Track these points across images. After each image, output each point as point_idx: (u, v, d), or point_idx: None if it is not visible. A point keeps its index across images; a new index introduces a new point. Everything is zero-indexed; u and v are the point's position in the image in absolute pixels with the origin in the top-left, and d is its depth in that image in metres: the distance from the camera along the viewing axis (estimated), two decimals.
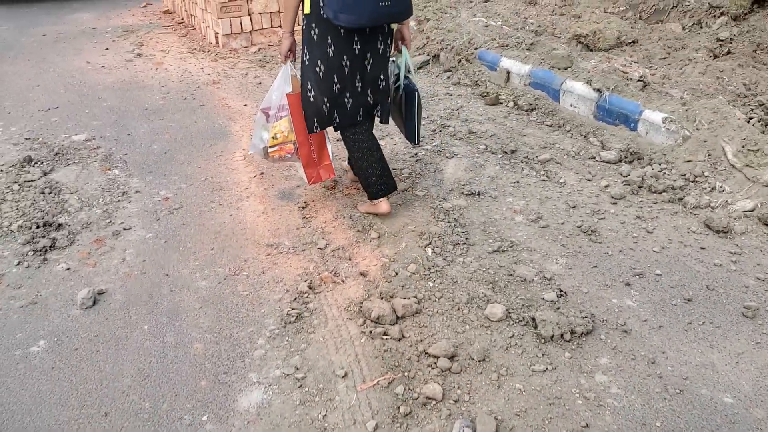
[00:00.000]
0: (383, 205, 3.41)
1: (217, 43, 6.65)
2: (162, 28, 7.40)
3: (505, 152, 4.21)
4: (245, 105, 5.18)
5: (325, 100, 3.11)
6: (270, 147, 3.36)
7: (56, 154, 4.32)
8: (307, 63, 3.06)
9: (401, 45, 3.31)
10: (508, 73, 5.35)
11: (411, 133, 3.42)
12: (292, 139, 3.33)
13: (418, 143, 3.59)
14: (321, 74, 3.05)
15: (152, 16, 8.05)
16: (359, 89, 3.13)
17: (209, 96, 5.36)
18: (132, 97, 5.37)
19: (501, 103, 5.12)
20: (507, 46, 5.68)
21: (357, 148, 3.30)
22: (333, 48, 2.97)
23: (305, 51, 3.06)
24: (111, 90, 5.52)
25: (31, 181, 3.92)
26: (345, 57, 3.00)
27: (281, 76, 3.23)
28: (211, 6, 6.54)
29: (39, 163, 4.17)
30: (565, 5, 7.64)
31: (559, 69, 5.04)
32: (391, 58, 3.27)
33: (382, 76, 3.16)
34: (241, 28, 6.70)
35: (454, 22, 6.72)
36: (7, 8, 8.71)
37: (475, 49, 5.76)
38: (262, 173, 4.04)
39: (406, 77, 3.37)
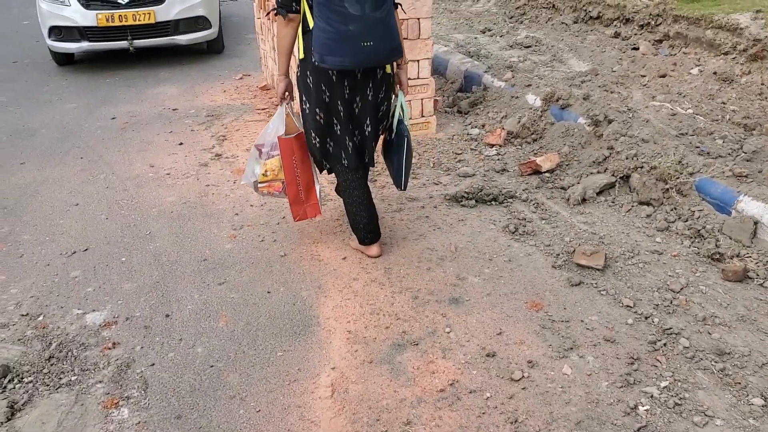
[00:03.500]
0: (373, 249, 3.47)
1: None
2: (254, 113, 5.88)
3: None
4: (344, 258, 3.44)
5: (328, 140, 3.24)
6: (260, 182, 3.45)
7: (49, 359, 2.73)
8: (308, 111, 3.19)
9: (398, 89, 3.32)
10: (756, 224, 3.33)
11: (398, 179, 3.43)
12: (281, 177, 3.40)
13: (404, 189, 3.47)
14: (322, 121, 3.17)
15: (246, 94, 6.57)
16: (351, 132, 3.21)
17: (296, 236, 3.68)
18: (191, 232, 3.77)
19: (750, 278, 3.11)
20: (745, 176, 3.66)
21: (349, 194, 3.37)
22: (328, 94, 3.08)
23: (304, 99, 3.18)
24: (167, 218, 3.95)
25: None
26: (339, 102, 3.11)
27: (277, 117, 3.33)
28: None
29: (16, 381, 2.59)
30: None
31: None
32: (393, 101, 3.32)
33: (368, 121, 3.21)
34: None
35: (623, 105, 4.80)
36: (87, 78, 7.52)
37: (690, 174, 3.78)
38: None
39: (400, 121, 3.34)
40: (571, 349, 2.70)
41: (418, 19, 4.86)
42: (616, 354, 2.66)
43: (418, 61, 4.97)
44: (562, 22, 8.44)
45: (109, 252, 3.65)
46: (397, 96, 3.33)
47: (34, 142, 5.46)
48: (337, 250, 3.56)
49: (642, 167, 3.97)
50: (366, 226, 3.39)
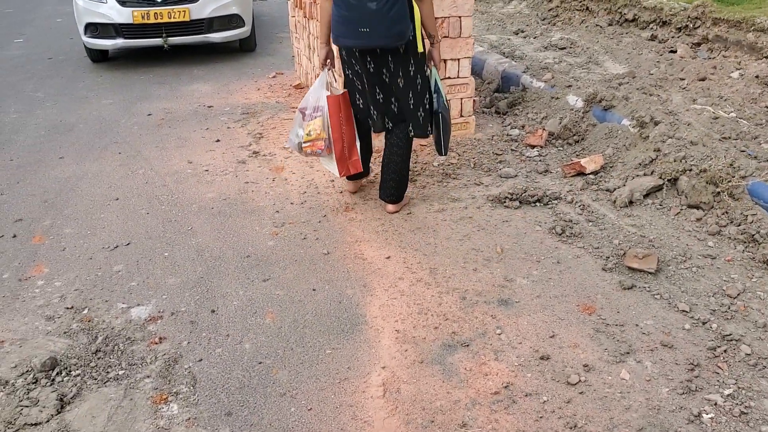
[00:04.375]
0: (389, 207, 3.91)
1: None
2: (289, 111, 5.85)
3: None
4: (388, 257, 3.39)
5: (371, 106, 3.69)
6: (304, 142, 3.72)
7: (96, 352, 2.71)
8: (348, 78, 3.69)
9: (431, 65, 3.66)
10: None
11: (438, 146, 3.84)
12: (324, 136, 3.66)
13: (444, 154, 3.88)
14: (359, 86, 3.64)
15: (280, 92, 6.56)
16: (381, 101, 3.65)
17: (338, 234, 3.63)
18: (233, 229, 3.74)
19: None
20: None
21: (386, 153, 3.81)
22: (357, 67, 3.55)
23: (345, 68, 3.65)
24: (207, 214, 3.93)
25: (35, 425, 2.29)
26: (364, 76, 3.56)
27: (319, 81, 3.64)
28: None
29: (64, 374, 2.57)
30: None
31: None
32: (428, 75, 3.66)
33: (398, 91, 3.60)
34: None
35: (664, 108, 4.72)
36: (122, 75, 7.56)
37: (743, 177, 3.68)
38: None
39: (437, 93, 3.68)
40: (628, 353, 2.62)
41: (460, 17, 4.80)
42: (675, 360, 2.58)
43: (458, 59, 4.92)
44: (597, 25, 8.34)
45: (152, 246, 3.64)
46: (430, 71, 3.67)
47: (72, 137, 5.48)
48: (381, 249, 3.51)
49: (691, 170, 3.88)
50: (388, 183, 3.81)
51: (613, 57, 6.94)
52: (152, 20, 7.33)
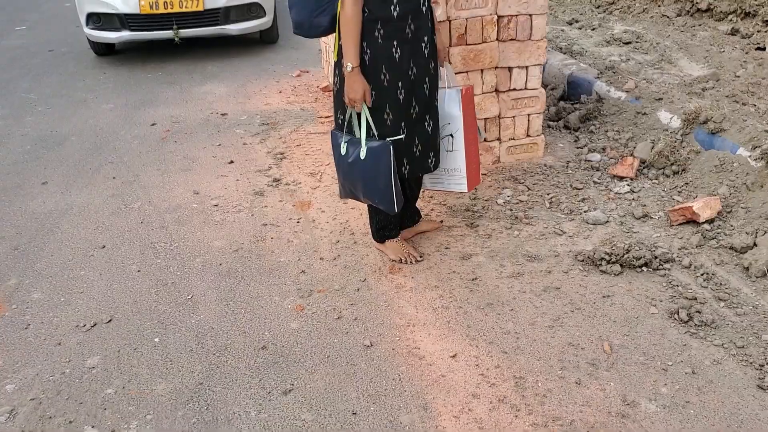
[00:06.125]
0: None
1: None
2: (316, 122, 4.92)
3: None
4: (454, 356, 2.46)
5: None
6: None
7: None
8: None
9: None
10: None
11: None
12: None
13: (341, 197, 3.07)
14: None
15: (305, 96, 5.61)
16: None
17: (384, 312, 2.72)
18: (245, 300, 2.86)
19: None
20: None
21: None
22: None
23: None
24: (214, 274, 3.05)
25: None
26: None
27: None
28: None
29: None
30: None
31: None
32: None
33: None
34: None
35: (763, 121, 3.73)
36: (128, 71, 6.65)
37: None
38: None
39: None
40: None
41: (530, 15, 3.83)
42: None
43: (526, 67, 3.94)
44: (663, 15, 7.29)
45: (139, 326, 2.75)
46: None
47: (62, 153, 4.62)
48: (442, 339, 2.59)
49: None
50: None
51: (688, 54, 5.92)
52: (161, 10, 6.43)
